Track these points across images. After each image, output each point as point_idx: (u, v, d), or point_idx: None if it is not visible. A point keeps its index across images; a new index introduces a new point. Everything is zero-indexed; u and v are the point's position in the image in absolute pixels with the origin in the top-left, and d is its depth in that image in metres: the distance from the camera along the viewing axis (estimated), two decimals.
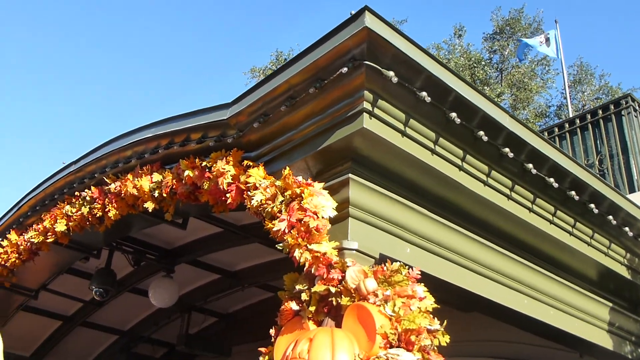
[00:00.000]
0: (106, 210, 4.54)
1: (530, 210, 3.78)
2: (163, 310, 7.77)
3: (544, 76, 22.88)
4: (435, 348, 2.65)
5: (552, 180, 3.67)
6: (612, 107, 6.58)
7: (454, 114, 3.12)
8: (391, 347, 2.60)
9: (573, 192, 3.82)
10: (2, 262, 5.71)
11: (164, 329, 8.49)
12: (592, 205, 3.97)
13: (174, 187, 3.87)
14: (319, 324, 2.89)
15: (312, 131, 3.19)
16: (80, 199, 4.84)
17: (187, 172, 3.70)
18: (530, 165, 3.54)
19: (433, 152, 3.25)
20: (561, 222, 3.98)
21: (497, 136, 3.36)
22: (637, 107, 6.54)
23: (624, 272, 4.50)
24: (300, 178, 3.02)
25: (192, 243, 6.49)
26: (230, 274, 7.15)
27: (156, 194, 4.04)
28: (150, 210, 4.12)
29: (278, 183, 3.06)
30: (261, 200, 3.09)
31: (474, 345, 5.59)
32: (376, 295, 2.73)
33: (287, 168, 3.05)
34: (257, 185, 3.18)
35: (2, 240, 5.72)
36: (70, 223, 4.96)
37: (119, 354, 8.78)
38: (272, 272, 6.85)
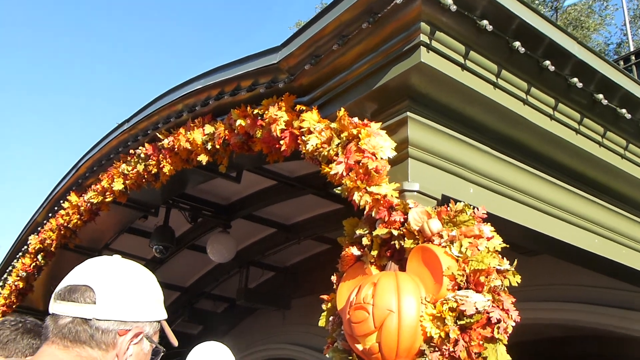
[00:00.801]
0: (161, 166, 4.54)
1: (600, 144, 3.56)
2: (222, 266, 7.91)
3: (602, 13, 21.76)
4: (506, 289, 2.53)
5: (624, 111, 3.43)
6: None
7: (517, 43, 2.92)
8: (459, 289, 2.50)
9: None
10: (65, 224, 5.83)
11: (224, 285, 8.64)
12: None
13: (227, 137, 3.81)
14: (382, 268, 2.80)
15: (366, 70, 3.04)
16: (135, 157, 4.86)
17: (239, 122, 3.62)
18: (601, 96, 3.31)
19: (495, 85, 3.06)
20: (634, 156, 3.74)
21: (565, 65, 3.14)
22: None
23: None
24: (355, 119, 2.90)
25: (247, 197, 6.50)
26: (286, 228, 7.16)
27: (209, 147, 3.99)
28: (204, 164, 4.08)
29: (333, 125, 2.95)
30: (316, 144, 2.99)
31: (540, 289, 5.45)
32: (441, 237, 2.62)
33: (342, 109, 2.93)
34: (312, 129, 3.07)
35: (63, 203, 5.84)
36: (127, 181, 5.00)
37: (182, 309, 9.00)
38: (328, 223, 6.82)
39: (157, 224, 6.51)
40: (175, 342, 1.62)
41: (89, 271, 1.56)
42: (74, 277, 1.55)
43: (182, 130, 4.25)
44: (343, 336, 2.76)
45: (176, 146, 4.29)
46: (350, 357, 2.67)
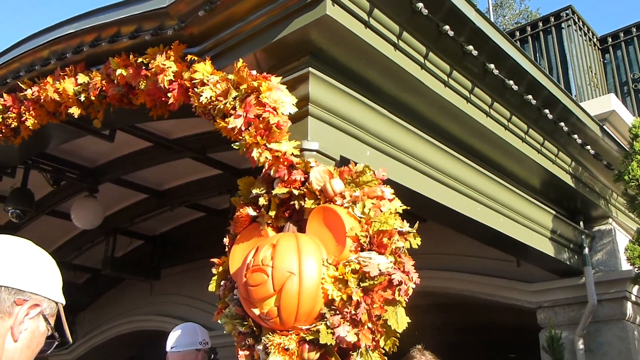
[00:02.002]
0: (22, 119, 4.06)
1: (487, 114, 3.64)
2: (86, 234, 7.39)
3: None
4: (406, 251, 2.50)
5: (511, 82, 3.53)
6: (552, 19, 6.49)
7: (420, 4, 2.87)
8: (362, 250, 2.43)
9: (530, 97, 3.71)
10: None
11: (87, 254, 8.10)
12: (547, 111, 3.89)
13: (104, 88, 3.46)
14: (279, 230, 2.67)
15: (264, 22, 2.86)
16: None
17: (119, 71, 3.29)
18: (492, 66, 3.37)
19: (396, 47, 3.00)
20: (515, 128, 3.88)
21: (462, 31, 3.15)
22: (577, 20, 6.49)
23: (568, 180, 4.51)
24: (254, 72, 2.72)
25: (117, 160, 6.04)
26: (158, 194, 6.79)
27: (82, 98, 3.60)
28: (76, 116, 3.69)
29: (230, 77, 2.74)
30: (211, 96, 2.77)
31: (426, 258, 5.58)
32: (343, 197, 2.52)
33: (241, 60, 2.72)
34: (205, 81, 2.84)
35: None
36: None
37: None
38: (203, 190, 6.56)
39: (14, 185, 5.89)
40: (70, 339, 1.51)
41: None
42: None
43: (49, 79, 3.82)
44: (237, 301, 2.60)
45: (42, 97, 3.85)
46: (246, 322, 2.52)
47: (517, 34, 6.74)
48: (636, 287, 4.78)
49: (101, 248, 7.69)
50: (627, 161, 4.15)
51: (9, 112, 4.17)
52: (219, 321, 2.67)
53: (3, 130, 4.29)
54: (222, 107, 2.71)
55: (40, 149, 5.12)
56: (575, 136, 4.26)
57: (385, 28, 2.92)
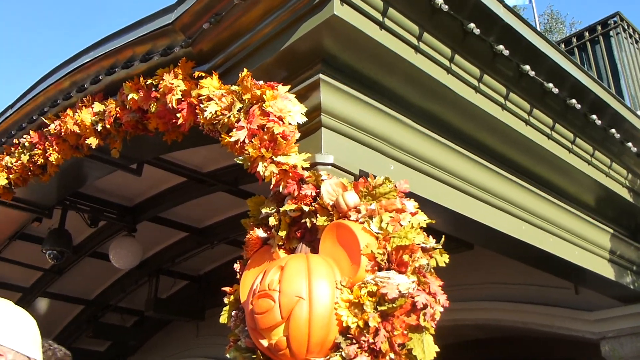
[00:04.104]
0: (47, 154, 4.00)
1: (527, 122, 3.33)
2: (129, 276, 7.32)
3: None
4: (432, 270, 2.20)
5: (551, 85, 3.22)
6: (599, 28, 6.11)
7: (440, 1, 2.63)
8: (380, 269, 2.15)
9: (574, 100, 3.37)
10: None
11: (133, 296, 8.01)
12: (594, 117, 3.54)
13: (118, 115, 3.34)
14: (292, 252, 2.42)
15: (272, 30, 2.68)
16: (19, 147, 4.28)
17: (130, 95, 3.16)
18: (528, 67, 3.08)
19: (417, 49, 2.76)
20: (560, 137, 3.54)
21: (491, 30, 2.88)
22: (626, 27, 6.10)
23: (625, 194, 4.10)
24: (260, 82, 2.52)
25: (154, 198, 5.96)
26: (198, 231, 6.66)
27: (99, 128, 3.50)
28: (94, 147, 3.58)
29: (235, 88, 2.55)
30: (216, 111, 2.58)
31: (460, 289, 5.20)
32: (358, 211, 2.26)
33: (245, 70, 2.54)
34: (211, 96, 2.66)
35: None
36: (11, 175, 4.40)
37: (86, 325, 8.28)
38: (241, 226, 6.38)
39: (52, 227, 5.87)
40: None
41: None
42: None
43: (69, 112, 3.74)
44: (247, 332, 2.35)
45: (63, 130, 3.77)
46: (254, 356, 2.26)
47: (563, 46, 6.38)
48: None
49: (146, 290, 7.59)
50: None
51: (35, 149, 4.12)
52: (228, 355, 2.42)
53: (31, 168, 4.24)
54: (226, 120, 2.52)
55: (75, 187, 5.07)
56: (630, 144, 3.87)
57: (403, 29, 2.69)
